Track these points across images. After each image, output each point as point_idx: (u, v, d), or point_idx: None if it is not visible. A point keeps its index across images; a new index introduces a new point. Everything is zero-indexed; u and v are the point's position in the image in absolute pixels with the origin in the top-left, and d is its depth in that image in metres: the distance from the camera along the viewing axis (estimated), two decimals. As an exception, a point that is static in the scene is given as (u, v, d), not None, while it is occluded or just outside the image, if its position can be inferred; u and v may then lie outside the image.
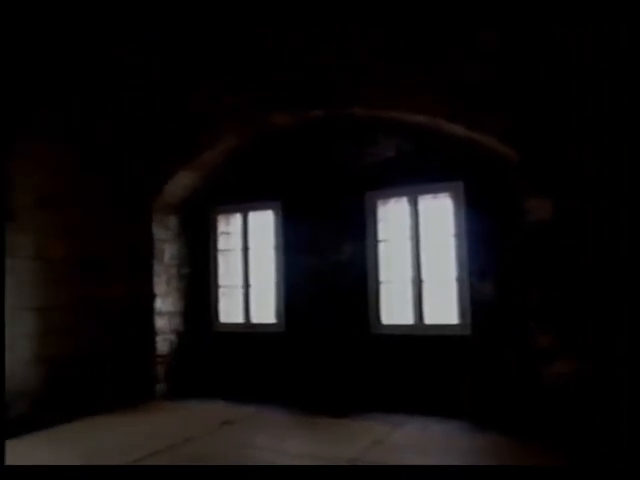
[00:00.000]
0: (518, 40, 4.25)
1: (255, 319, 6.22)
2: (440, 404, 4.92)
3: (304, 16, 4.62)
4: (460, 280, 5.09)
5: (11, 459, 3.93)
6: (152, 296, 5.93)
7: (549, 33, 4.11)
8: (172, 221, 6.25)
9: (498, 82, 4.38)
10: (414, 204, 5.39)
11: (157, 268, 6.00)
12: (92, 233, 5.79)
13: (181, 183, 5.97)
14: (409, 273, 5.34)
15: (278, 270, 6.03)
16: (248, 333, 6.16)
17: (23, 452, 4.11)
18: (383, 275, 5.52)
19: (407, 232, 5.39)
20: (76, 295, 5.60)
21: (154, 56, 5.18)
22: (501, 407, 4.67)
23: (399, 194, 5.47)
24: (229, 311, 6.41)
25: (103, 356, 5.72)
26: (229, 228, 6.51)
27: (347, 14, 4.49)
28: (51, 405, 5.18)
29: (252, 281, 6.29)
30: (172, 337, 6.14)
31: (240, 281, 6.33)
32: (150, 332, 5.90)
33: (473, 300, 4.98)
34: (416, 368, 5.14)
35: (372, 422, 4.77)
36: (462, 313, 5.06)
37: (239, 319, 6.29)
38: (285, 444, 4.24)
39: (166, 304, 6.09)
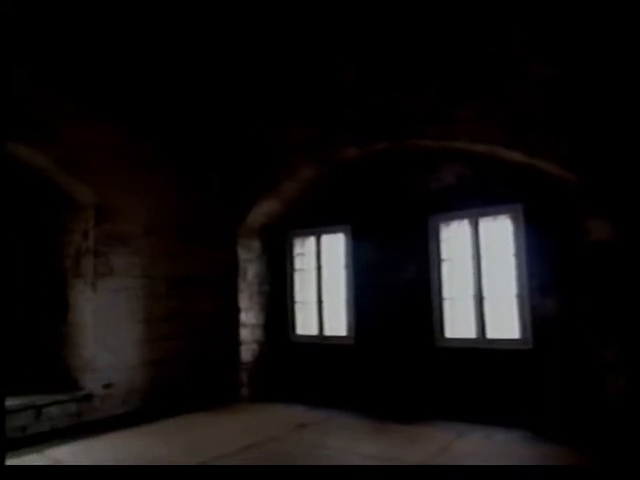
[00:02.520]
0: (570, 68, 4.35)
1: (328, 332, 6.59)
2: (503, 414, 5.02)
3: (379, 62, 4.95)
4: (521, 297, 5.21)
5: (131, 446, 4.57)
6: (237, 310, 6.47)
7: (600, 58, 4.18)
8: (254, 244, 6.80)
9: (552, 109, 4.49)
10: (475, 225, 5.58)
11: (241, 285, 6.54)
12: (187, 255, 6.43)
13: (262, 211, 6.51)
14: (471, 290, 5.52)
15: (348, 287, 6.39)
16: (321, 344, 6.55)
17: (139, 441, 4.73)
18: (446, 292, 5.73)
19: (469, 252, 5.58)
20: (173, 309, 6.23)
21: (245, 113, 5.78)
22: (563, 418, 4.72)
23: (461, 217, 5.68)
24: (304, 324, 6.84)
25: (196, 362, 6.31)
26: (304, 249, 6.99)
27: (411, 57, 4.80)
28: (155, 402, 5.81)
29: (325, 297, 6.68)
30: (254, 347, 6.63)
31: (314, 297, 6.75)
32: (235, 342, 6.42)
33: (534, 315, 5.08)
34: (479, 379, 5.29)
35: (438, 429, 4.91)
36: (523, 328, 5.16)
37: (313, 331, 6.70)
38: (356, 447, 4.46)
39: (249, 317, 6.60)
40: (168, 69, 5.59)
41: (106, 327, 5.50)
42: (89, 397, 5.24)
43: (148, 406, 5.72)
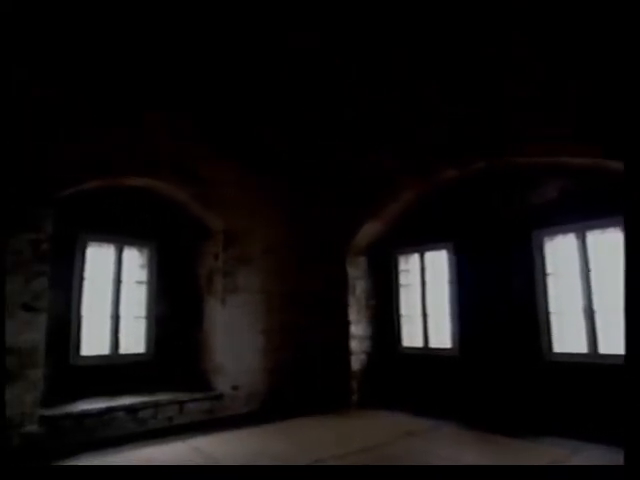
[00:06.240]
0: None
1: (433, 344, 6.62)
2: (618, 434, 4.64)
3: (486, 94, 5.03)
4: (636, 311, 4.82)
5: (255, 442, 4.97)
6: (347, 323, 6.75)
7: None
8: (361, 261, 7.07)
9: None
10: (582, 239, 5.32)
11: (350, 300, 6.81)
12: (301, 272, 6.90)
13: (368, 231, 6.75)
14: (580, 304, 5.24)
15: (452, 301, 6.39)
16: (426, 355, 6.59)
17: (261, 438, 5.13)
18: (552, 306, 5.50)
19: (576, 265, 5.33)
20: (289, 321, 6.71)
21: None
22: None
23: (565, 231, 5.46)
24: (410, 336, 6.93)
25: (309, 369, 6.69)
26: (408, 266, 7.12)
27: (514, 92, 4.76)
28: (273, 404, 6.27)
29: (429, 311, 6.73)
30: (363, 357, 6.85)
31: (419, 311, 6.83)
32: (346, 352, 6.69)
33: (652, 331, 4.67)
34: (591, 396, 4.99)
35: (548, 445, 4.69)
36: (641, 344, 4.76)
37: (419, 343, 6.77)
38: (464, 457, 4.40)
39: (358, 329, 6.85)
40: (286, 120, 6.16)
41: (232, 337, 6.10)
42: (220, 397, 5.84)
43: (266, 407, 6.19)
